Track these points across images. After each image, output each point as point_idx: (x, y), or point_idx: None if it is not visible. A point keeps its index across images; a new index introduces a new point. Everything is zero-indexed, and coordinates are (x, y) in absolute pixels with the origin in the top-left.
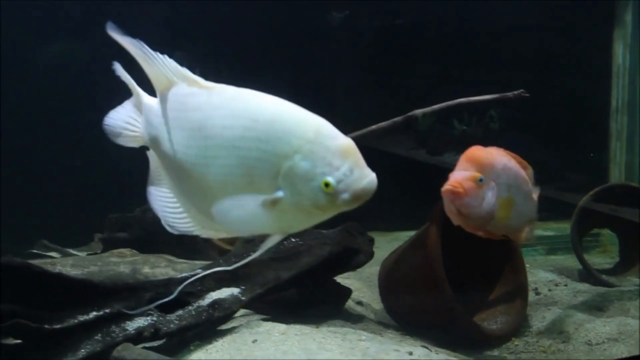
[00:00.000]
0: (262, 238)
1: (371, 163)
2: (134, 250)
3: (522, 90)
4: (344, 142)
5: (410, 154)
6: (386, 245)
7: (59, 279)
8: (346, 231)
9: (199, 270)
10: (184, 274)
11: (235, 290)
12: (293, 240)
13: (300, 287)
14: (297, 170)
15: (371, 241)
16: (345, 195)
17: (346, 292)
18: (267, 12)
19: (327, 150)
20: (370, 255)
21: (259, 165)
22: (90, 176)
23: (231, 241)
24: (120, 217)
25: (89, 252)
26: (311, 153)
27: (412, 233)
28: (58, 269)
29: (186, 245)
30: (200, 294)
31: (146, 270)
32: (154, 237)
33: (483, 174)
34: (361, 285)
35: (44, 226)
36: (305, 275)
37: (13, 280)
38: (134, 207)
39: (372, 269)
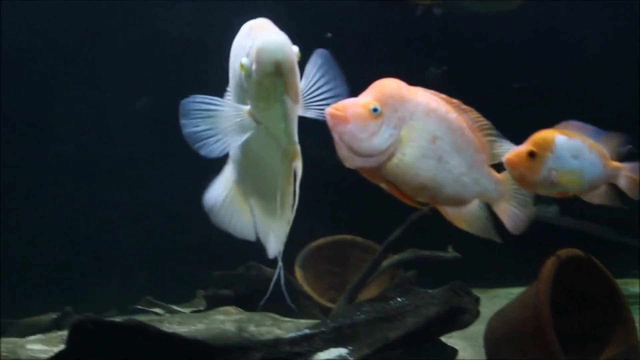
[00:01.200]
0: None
1: None
2: (239, 308)
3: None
4: (250, 22)
5: None
6: (487, 302)
7: (173, 339)
8: (452, 290)
9: (306, 331)
10: (291, 334)
11: (342, 351)
12: (399, 300)
13: (406, 347)
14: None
15: (477, 300)
16: (253, 66)
17: (452, 351)
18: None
19: (245, 38)
20: (476, 315)
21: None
22: (192, 233)
23: (333, 299)
24: (224, 274)
25: (193, 309)
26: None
27: (512, 289)
28: (166, 326)
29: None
30: (309, 354)
31: (252, 328)
32: (258, 295)
33: (384, 107)
34: (465, 344)
35: (147, 282)
36: (412, 335)
37: (131, 340)
38: (236, 265)
39: (475, 328)
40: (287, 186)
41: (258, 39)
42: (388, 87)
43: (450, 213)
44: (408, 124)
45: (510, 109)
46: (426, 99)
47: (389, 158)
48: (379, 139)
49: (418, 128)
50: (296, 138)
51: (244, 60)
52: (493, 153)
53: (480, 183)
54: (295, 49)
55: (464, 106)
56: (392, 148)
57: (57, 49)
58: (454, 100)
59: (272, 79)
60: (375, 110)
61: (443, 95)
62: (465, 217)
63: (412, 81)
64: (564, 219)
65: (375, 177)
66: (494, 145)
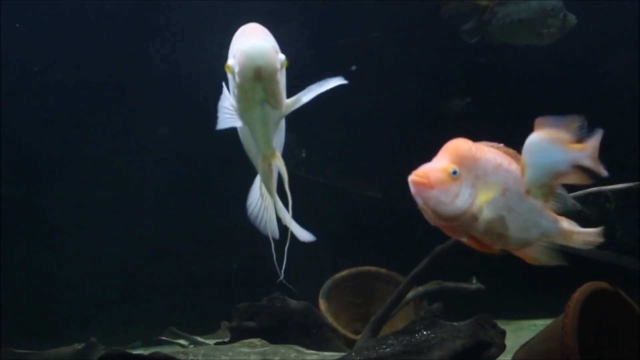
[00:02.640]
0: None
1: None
2: (264, 341)
3: None
4: (244, 26)
5: None
6: (511, 334)
7: None
8: (478, 323)
9: None
10: None
11: None
12: (425, 332)
13: None
14: None
15: (503, 333)
16: (237, 69)
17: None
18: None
19: (236, 41)
20: (502, 348)
21: None
22: (217, 265)
23: (357, 331)
24: (248, 306)
25: (217, 341)
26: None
27: (536, 321)
28: (191, 358)
29: (313, 335)
30: None
31: None
32: (282, 327)
33: (461, 168)
34: None
35: (171, 313)
36: None
37: None
38: (260, 296)
39: None
40: (269, 185)
41: (244, 43)
42: (461, 148)
43: (518, 253)
44: (482, 180)
45: None
46: (493, 155)
47: (470, 215)
48: (461, 200)
49: (491, 183)
50: (274, 142)
51: (230, 62)
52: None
53: (541, 225)
54: (281, 57)
55: (515, 153)
56: (472, 206)
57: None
58: (511, 151)
59: (252, 84)
60: (454, 173)
61: (501, 146)
62: (531, 254)
63: (436, 112)
64: (587, 250)
65: (457, 233)
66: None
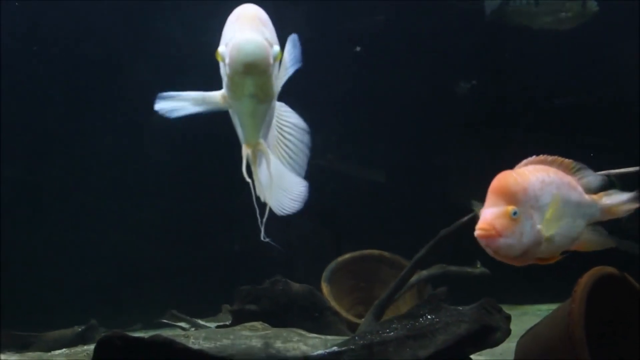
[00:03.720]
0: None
1: None
2: (266, 324)
3: None
4: (239, 12)
5: None
6: (516, 319)
7: (200, 356)
8: (483, 308)
9: (334, 348)
10: (319, 351)
11: None
12: (429, 317)
13: None
14: None
15: (508, 318)
16: (227, 60)
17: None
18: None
19: (230, 26)
20: (507, 333)
21: None
22: (218, 247)
23: (360, 315)
24: (250, 289)
25: (218, 324)
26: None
27: (541, 306)
28: (192, 341)
29: (315, 319)
30: None
31: (278, 344)
32: (284, 310)
33: (516, 204)
34: None
35: (172, 295)
36: (442, 353)
37: (157, 356)
38: (263, 279)
39: (505, 346)
40: (253, 168)
41: (237, 34)
42: (510, 184)
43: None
44: (537, 207)
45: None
46: (535, 176)
47: (538, 244)
48: (527, 236)
49: (545, 205)
50: (260, 134)
51: (221, 49)
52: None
53: (587, 213)
54: (275, 49)
55: (549, 157)
56: (537, 236)
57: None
58: (549, 158)
59: (242, 78)
60: (515, 213)
61: (538, 158)
62: (583, 244)
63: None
64: None
65: (526, 261)
66: (582, 173)
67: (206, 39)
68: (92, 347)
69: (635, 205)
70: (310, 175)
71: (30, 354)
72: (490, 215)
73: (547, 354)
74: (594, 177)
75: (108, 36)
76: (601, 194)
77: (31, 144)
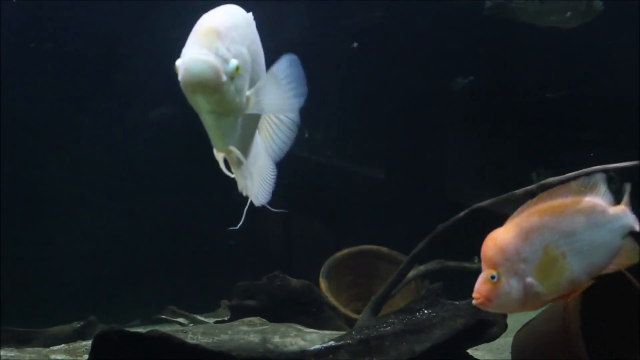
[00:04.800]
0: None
1: None
2: (264, 319)
3: None
4: (201, 22)
5: None
6: (512, 314)
7: (197, 350)
8: None
9: (332, 343)
10: (316, 346)
11: None
12: (426, 311)
13: None
14: None
15: (504, 313)
16: (179, 77)
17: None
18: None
19: (189, 36)
20: (504, 328)
21: None
22: (216, 243)
23: (357, 310)
24: (248, 285)
25: (217, 320)
26: None
27: None
28: (190, 337)
29: (313, 314)
30: None
31: (276, 339)
32: (282, 306)
33: (496, 266)
34: (492, 356)
35: (170, 291)
36: (438, 347)
37: (155, 351)
38: (260, 275)
39: (502, 340)
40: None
41: (188, 51)
42: (487, 248)
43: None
44: (522, 259)
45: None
46: (520, 227)
47: (534, 294)
48: (516, 292)
49: (536, 252)
50: (229, 142)
51: (177, 62)
52: (603, 194)
53: (619, 226)
54: (232, 64)
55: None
56: (528, 288)
57: (75, 59)
58: (553, 192)
59: (194, 96)
60: (492, 277)
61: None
62: (623, 256)
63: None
64: None
65: (538, 306)
66: (599, 188)
67: None
68: (90, 342)
69: None
70: (309, 172)
71: (30, 350)
72: (477, 282)
73: (544, 349)
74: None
75: (108, 33)
76: (624, 200)
77: (30, 140)
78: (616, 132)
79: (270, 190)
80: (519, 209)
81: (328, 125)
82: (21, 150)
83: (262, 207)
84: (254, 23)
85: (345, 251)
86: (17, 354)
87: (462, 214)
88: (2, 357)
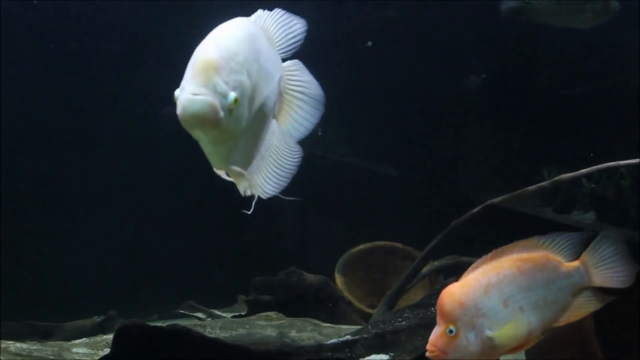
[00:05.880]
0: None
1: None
2: (280, 314)
3: None
4: (199, 54)
5: (537, 212)
6: None
7: (216, 344)
8: None
9: (348, 337)
10: (332, 340)
11: (384, 357)
12: None
13: None
14: None
15: None
16: (177, 110)
17: None
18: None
19: (190, 63)
20: None
21: None
22: (234, 239)
23: (372, 305)
24: (265, 279)
25: (234, 314)
26: None
27: None
28: (208, 331)
29: (329, 309)
30: None
31: (293, 334)
32: (298, 301)
33: (454, 321)
34: None
35: (189, 286)
36: None
37: (175, 345)
38: (277, 271)
39: None
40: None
41: (186, 87)
42: (445, 304)
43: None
44: (481, 314)
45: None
46: (479, 282)
47: (491, 347)
48: (474, 346)
49: (494, 307)
50: (228, 163)
51: (176, 93)
52: (561, 250)
53: (564, 288)
54: (229, 97)
55: (507, 247)
56: (486, 342)
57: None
58: (507, 248)
59: (191, 131)
60: (450, 332)
61: (494, 252)
62: (574, 314)
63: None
64: (601, 226)
65: (493, 357)
66: (557, 243)
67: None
68: (111, 336)
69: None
70: (324, 170)
71: (52, 343)
72: (433, 335)
73: (557, 346)
74: (570, 240)
75: (125, 30)
76: (585, 253)
77: (50, 136)
78: (629, 129)
79: (290, 176)
80: (474, 265)
81: (341, 123)
82: (42, 145)
83: (279, 201)
84: (261, 33)
85: (360, 247)
86: (40, 347)
87: (475, 210)
88: (26, 350)
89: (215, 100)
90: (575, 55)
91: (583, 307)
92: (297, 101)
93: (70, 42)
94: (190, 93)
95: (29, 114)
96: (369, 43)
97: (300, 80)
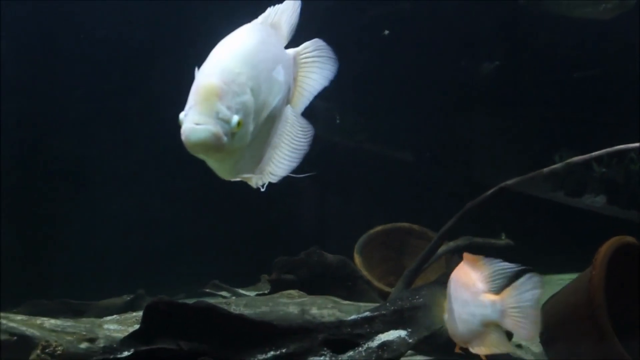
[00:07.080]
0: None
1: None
2: (302, 292)
3: None
4: (201, 79)
5: (550, 196)
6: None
7: (240, 320)
8: None
9: (367, 313)
10: (352, 316)
11: (402, 333)
12: None
13: None
14: None
15: None
16: (181, 137)
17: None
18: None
19: (193, 87)
20: None
21: None
22: (257, 220)
23: (390, 284)
24: (287, 259)
25: (258, 293)
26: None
27: (564, 275)
28: (233, 308)
29: (349, 287)
30: (370, 336)
31: (314, 311)
32: (319, 279)
33: None
34: None
35: (214, 266)
36: None
37: (202, 321)
38: (298, 251)
39: None
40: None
41: (189, 114)
42: None
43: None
44: None
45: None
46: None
47: None
48: None
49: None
50: (234, 173)
51: (180, 116)
52: (487, 276)
53: (475, 315)
54: (233, 121)
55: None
56: None
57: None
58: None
59: (196, 155)
60: None
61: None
62: (488, 343)
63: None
64: (611, 209)
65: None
66: (490, 270)
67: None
68: (140, 313)
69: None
70: (343, 156)
71: (84, 320)
72: None
73: (569, 319)
74: (504, 272)
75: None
76: (505, 291)
77: (81, 118)
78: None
79: (301, 155)
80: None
81: (359, 110)
82: (75, 127)
83: (301, 186)
84: (269, 35)
85: (378, 228)
86: (73, 323)
87: (489, 192)
88: (60, 326)
89: (217, 128)
90: (587, 41)
91: (496, 343)
92: (312, 74)
93: (100, 31)
94: (193, 122)
95: (61, 97)
96: (386, 32)
97: (315, 56)
